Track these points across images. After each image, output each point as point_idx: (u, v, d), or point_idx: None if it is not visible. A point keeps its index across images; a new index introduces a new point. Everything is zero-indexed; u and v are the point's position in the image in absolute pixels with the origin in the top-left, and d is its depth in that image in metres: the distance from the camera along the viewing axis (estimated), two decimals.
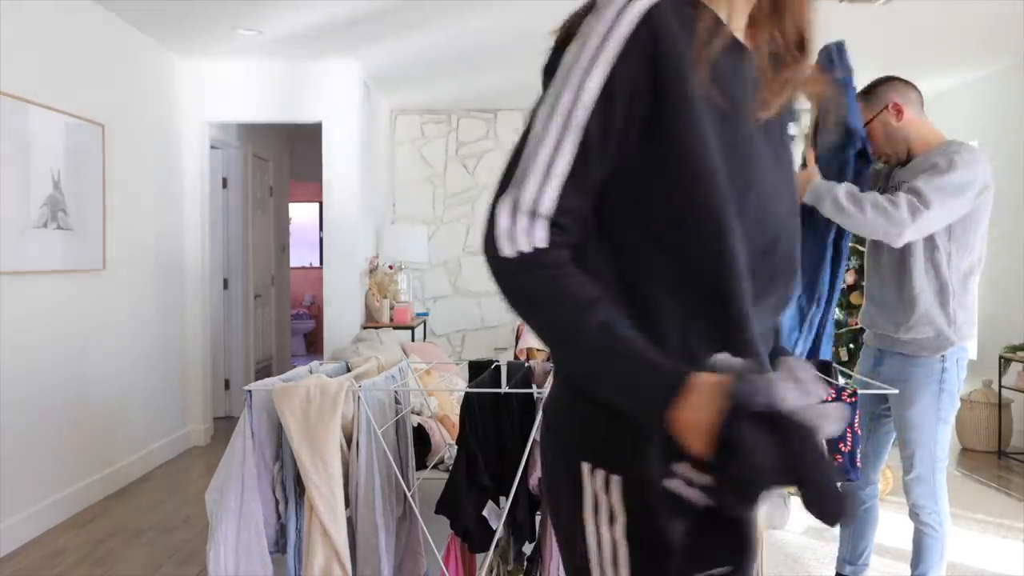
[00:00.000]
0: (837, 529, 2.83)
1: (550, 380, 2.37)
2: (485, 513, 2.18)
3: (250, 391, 2.13)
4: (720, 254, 0.91)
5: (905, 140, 2.44)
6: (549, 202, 0.89)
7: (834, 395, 2.17)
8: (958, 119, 5.92)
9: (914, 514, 2.44)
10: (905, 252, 2.38)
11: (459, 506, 2.15)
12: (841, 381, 2.35)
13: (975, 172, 2.26)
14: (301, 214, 10.16)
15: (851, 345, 4.97)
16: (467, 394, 2.21)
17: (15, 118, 3.43)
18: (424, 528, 2.32)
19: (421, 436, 2.90)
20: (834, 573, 2.79)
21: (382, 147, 6.52)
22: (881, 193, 2.33)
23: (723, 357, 0.87)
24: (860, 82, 2.64)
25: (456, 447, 2.30)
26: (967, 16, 4.34)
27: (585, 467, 0.95)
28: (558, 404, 1.03)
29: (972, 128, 5.73)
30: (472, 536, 2.16)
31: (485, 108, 6.89)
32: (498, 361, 2.54)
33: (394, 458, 2.27)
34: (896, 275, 2.42)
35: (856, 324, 4.74)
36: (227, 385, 6.24)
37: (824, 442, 0.83)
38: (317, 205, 9.84)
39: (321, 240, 7.61)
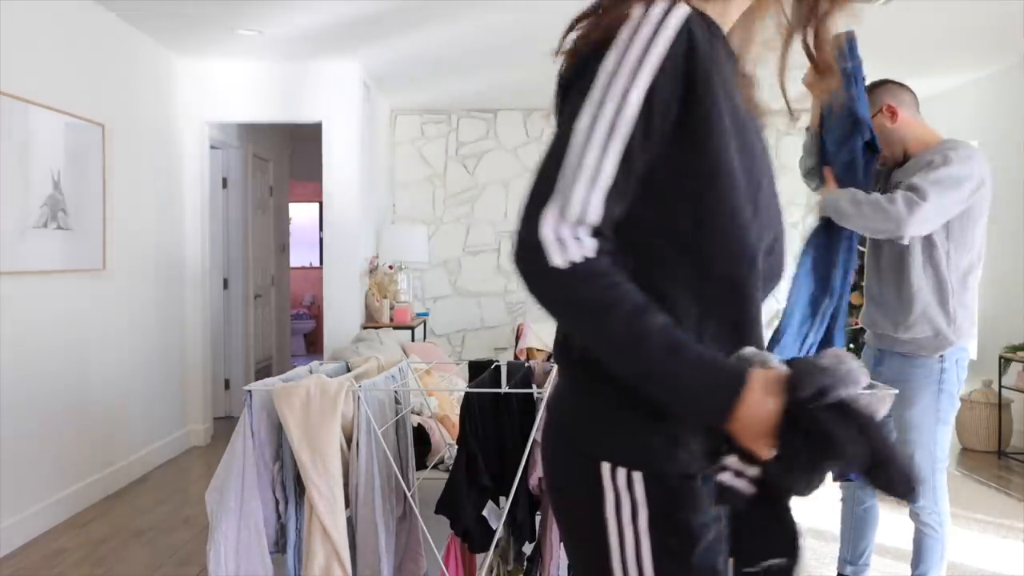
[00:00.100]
0: (837, 529, 2.83)
1: (550, 380, 2.37)
2: (485, 513, 2.18)
3: (250, 391, 2.13)
4: (741, 254, 0.96)
5: (901, 141, 2.45)
6: (596, 210, 0.90)
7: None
8: (958, 119, 5.92)
9: (914, 514, 2.44)
10: (904, 251, 2.38)
11: (459, 506, 2.15)
12: None
13: (971, 167, 2.27)
14: (301, 214, 10.16)
15: (851, 345, 4.98)
16: (467, 394, 2.21)
17: (15, 118, 3.43)
18: (424, 528, 2.32)
19: (421, 436, 2.90)
20: (835, 573, 2.79)
21: (382, 147, 6.52)
22: (882, 194, 2.34)
23: (752, 351, 0.92)
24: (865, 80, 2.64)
25: (456, 447, 2.30)
26: (967, 16, 4.34)
27: (605, 466, 0.97)
28: (569, 406, 1.04)
29: (972, 128, 5.73)
30: (472, 536, 2.16)
31: (485, 108, 6.89)
32: (498, 361, 2.54)
33: (394, 458, 2.27)
34: (895, 274, 2.42)
35: (856, 324, 4.74)
36: (227, 385, 6.24)
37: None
38: (317, 205, 9.83)
39: (321, 240, 7.62)
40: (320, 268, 9.61)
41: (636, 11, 0.91)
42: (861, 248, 2.61)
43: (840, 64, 2.20)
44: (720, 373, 0.89)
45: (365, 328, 5.31)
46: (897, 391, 2.25)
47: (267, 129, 6.92)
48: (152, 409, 4.76)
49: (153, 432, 4.77)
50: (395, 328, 5.52)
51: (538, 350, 5.99)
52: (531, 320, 6.52)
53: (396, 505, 2.27)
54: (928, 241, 2.34)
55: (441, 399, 3.61)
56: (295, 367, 2.45)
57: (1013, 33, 4.65)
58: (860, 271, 2.75)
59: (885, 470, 0.84)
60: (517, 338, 6.24)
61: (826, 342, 2.43)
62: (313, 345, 9.88)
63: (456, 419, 3.01)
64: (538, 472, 2.18)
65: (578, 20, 1.03)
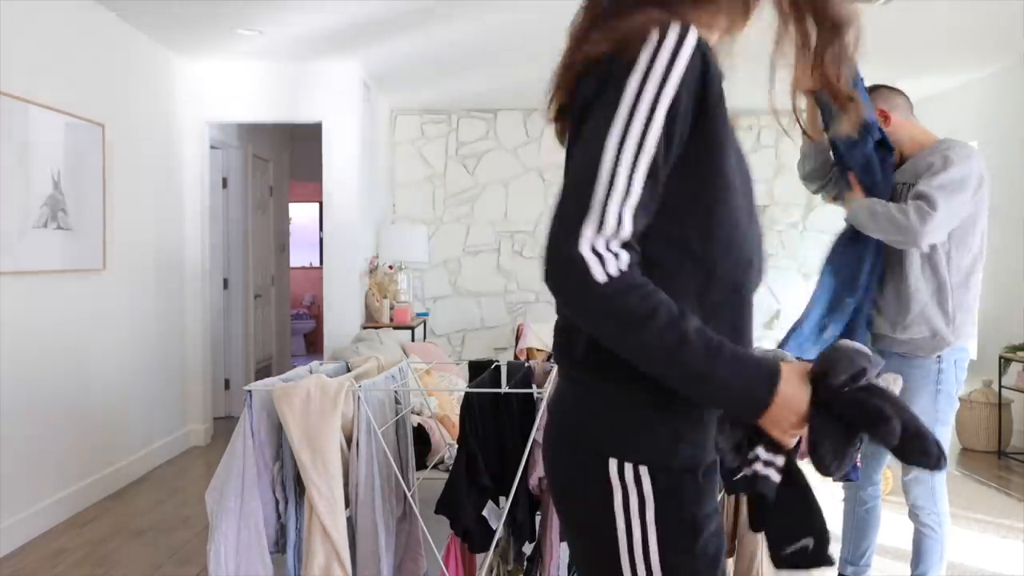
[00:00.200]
0: (838, 529, 2.83)
1: (550, 380, 2.37)
2: (485, 513, 2.18)
3: (250, 391, 2.13)
4: (742, 261, 1.05)
5: (897, 144, 2.46)
6: (629, 224, 0.95)
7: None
8: (958, 119, 5.92)
9: (913, 515, 2.44)
10: (902, 252, 2.39)
11: (459, 506, 2.15)
12: None
13: (971, 166, 2.28)
14: (301, 214, 10.16)
15: None
16: (467, 394, 2.21)
17: (15, 118, 3.43)
18: (424, 528, 2.32)
19: (421, 436, 2.90)
20: (835, 573, 2.79)
21: (382, 147, 6.52)
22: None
23: (766, 349, 1.05)
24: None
25: (456, 447, 2.30)
26: (967, 16, 4.34)
27: (613, 463, 1.02)
28: (572, 406, 1.09)
29: (972, 128, 5.73)
30: (472, 536, 2.16)
31: (485, 108, 6.89)
32: (498, 361, 2.54)
33: (394, 458, 2.27)
34: (893, 275, 2.43)
35: None
36: (227, 385, 6.24)
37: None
38: (317, 205, 9.84)
39: (321, 240, 7.62)
40: (320, 268, 9.61)
41: (654, 35, 0.96)
42: None
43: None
44: (756, 370, 0.95)
45: (365, 328, 5.31)
46: (900, 376, 2.27)
47: (267, 129, 6.92)
48: (152, 409, 4.76)
49: (153, 432, 4.77)
50: (395, 328, 5.52)
51: (538, 350, 5.99)
52: (531, 320, 6.52)
53: (396, 505, 2.27)
54: None
55: (441, 399, 3.61)
56: (295, 367, 2.45)
57: (1013, 33, 4.65)
58: None
59: (919, 441, 0.92)
60: (517, 338, 6.24)
61: (847, 336, 2.44)
62: (313, 345, 9.88)
63: (456, 419, 3.01)
64: (538, 472, 2.18)
65: (579, 37, 1.08)
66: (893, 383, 0.99)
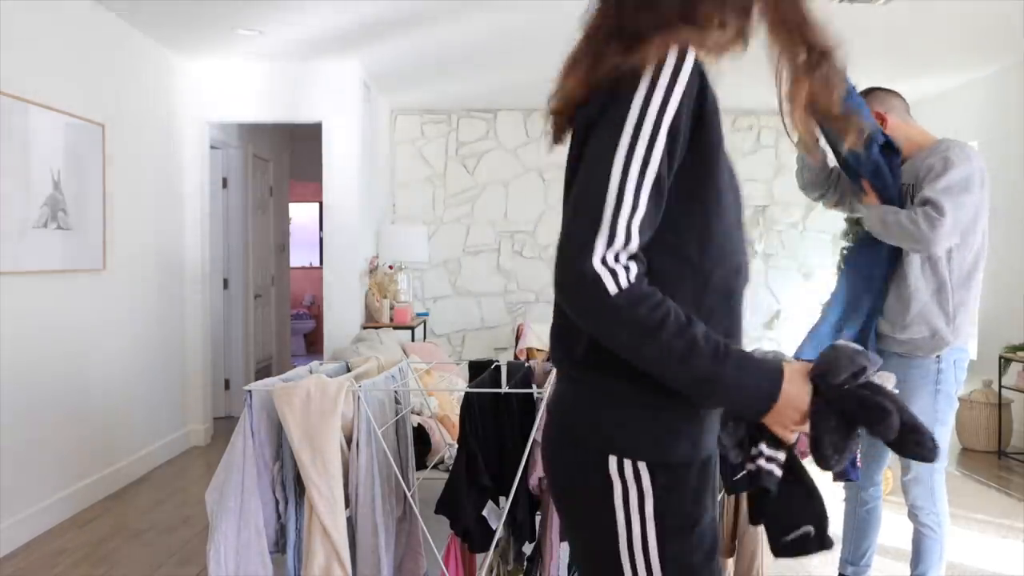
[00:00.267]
0: (839, 529, 2.83)
1: (550, 380, 2.37)
2: (485, 513, 2.18)
3: (250, 391, 2.13)
4: (734, 268, 1.10)
5: None
6: (637, 237, 1.00)
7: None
8: (958, 119, 5.92)
9: (913, 515, 2.44)
10: (902, 252, 2.39)
11: (459, 506, 2.15)
12: None
13: (972, 165, 2.28)
14: (301, 214, 10.16)
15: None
16: (467, 394, 2.21)
17: (15, 118, 3.43)
18: (424, 528, 2.32)
19: (421, 436, 2.90)
20: (836, 573, 2.79)
21: (382, 147, 6.52)
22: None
23: (765, 350, 1.09)
24: (860, 84, 2.63)
25: (456, 447, 2.30)
26: (967, 16, 4.34)
27: (613, 460, 1.07)
28: (573, 406, 1.13)
29: (972, 128, 5.73)
30: (472, 536, 2.16)
31: (485, 108, 6.89)
32: (498, 361, 2.54)
33: (394, 458, 2.27)
34: (893, 274, 2.43)
35: None
36: (227, 385, 6.24)
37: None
38: (317, 205, 9.83)
39: (321, 240, 7.61)
40: (320, 268, 9.61)
41: (655, 57, 1.01)
42: None
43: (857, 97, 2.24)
44: (760, 371, 1.02)
45: (365, 328, 5.31)
46: (894, 375, 2.27)
47: (267, 129, 6.92)
48: (152, 409, 4.76)
49: (153, 432, 4.77)
50: (395, 328, 5.52)
51: (538, 350, 5.99)
52: (531, 320, 6.52)
53: (396, 505, 2.27)
54: None
55: (441, 399, 3.61)
56: (295, 367, 2.45)
57: (1013, 33, 4.65)
58: None
59: (916, 435, 0.99)
60: (517, 338, 6.24)
61: (863, 336, 2.45)
62: (313, 345, 9.88)
63: (456, 419, 3.01)
64: (538, 472, 2.18)
65: (580, 58, 1.11)
66: (888, 381, 1.05)
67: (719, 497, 2.07)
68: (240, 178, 6.35)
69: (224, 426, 5.69)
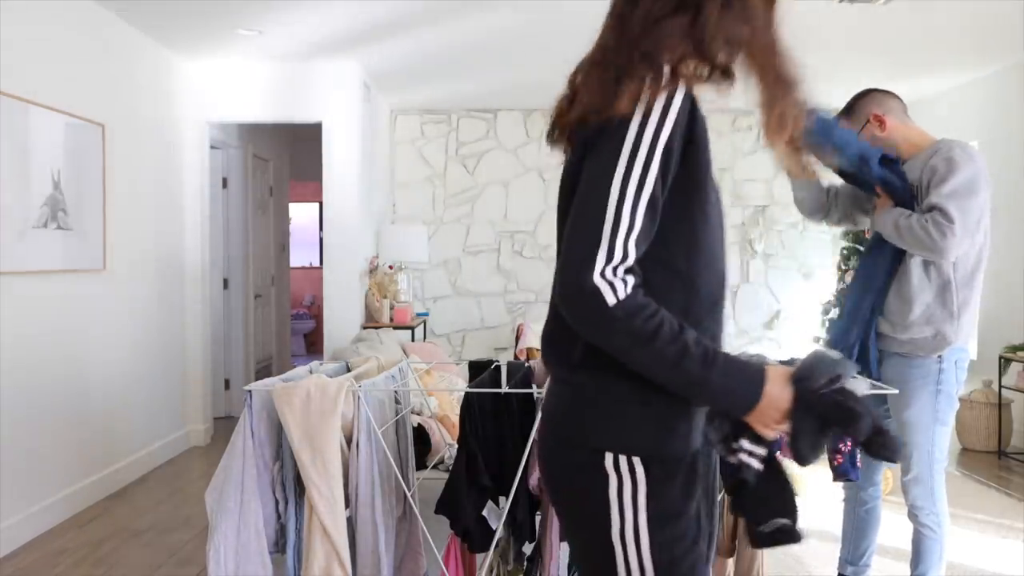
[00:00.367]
0: (838, 529, 2.83)
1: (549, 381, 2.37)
2: (485, 513, 2.18)
3: (250, 391, 2.13)
4: (717, 277, 1.20)
5: (894, 148, 2.45)
6: (633, 252, 1.09)
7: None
8: (958, 119, 5.92)
9: (913, 515, 2.44)
10: (904, 253, 2.38)
11: (459, 506, 2.15)
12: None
13: (976, 165, 2.28)
14: (301, 214, 10.16)
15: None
16: (467, 394, 2.21)
17: (15, 118, 3.43)
18: (424, 528, 2.32)
19: (421, 436, 2.90)
20: (835, 573, 2.79)
21: (382, 147, 6.52)
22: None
23: (751, 353, 1.19)
24: (860, 85, 2.65)
25: (456, 447, 2.30)
26: (967, 16, 4.34)
27: (609, 456, 1.15)
28: (569, 407, 1.20)
29: (972, 128, 5.73)
30: (472, 536, 2.16)
31: (485, 108, 6.89)
32: (498, 361, 2.54)
33: (394, 458, 2.27)
34: (895, 274, 2.42)
35: None
36: (227, 385, 6.24)
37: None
38: (317, 205, 9.84)
39: (321, 240, 7.61)
40: (320, 268, 9.61)
41: (651, 83, 1.10)
42: (861, 248, 2.64)
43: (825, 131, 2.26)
44: (745, 374, 1.11)
45: (365, 328, 5.31)
46: (896, 391, 2.27)
47: (267, 129, 6.92)
48: (152, 409, 4.76)
49: (153, 432, 4.77)
50: (395, 328, 5.52)
51: (538, 350, 5.98)
52: (531, 320, 6.52)
53: (396, 505, 2.27)
54: None
55: (441, 399, 3.61)
56: (295, 367, 2.45)
57: (1013, 33, 4.65)
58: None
59: (882, 437, 1.10)
60: (517, 338, 6.23)
61: (864, 336, 2.45)
62: (313, 345, 9.88)
63: (456, 419, 3.01)
64: (538, 472, 2.18)
65: (583, 81, 1.20)
66: (860, 387, 1.12)
67: (719, 497, 2.07)
68: (240, 178, 6.35)
69: (224, 426, 5.69)
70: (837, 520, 2.87)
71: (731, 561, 2.34)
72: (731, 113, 6.85)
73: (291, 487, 2.17)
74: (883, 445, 1.10)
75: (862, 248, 4.16)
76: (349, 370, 2.59)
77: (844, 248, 5.70)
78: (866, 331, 2.46)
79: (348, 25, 4.49)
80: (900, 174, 2.39)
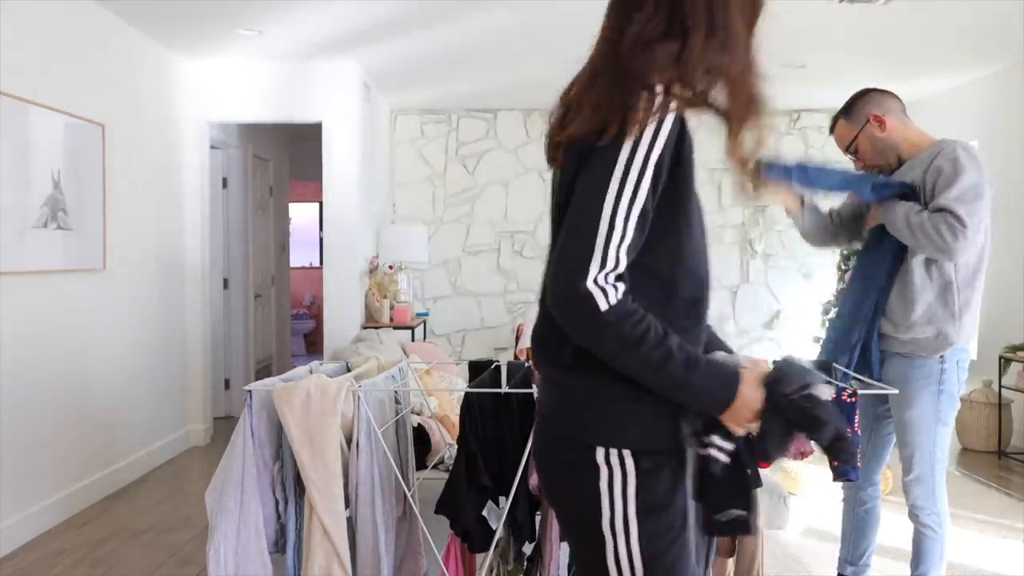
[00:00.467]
0: (838, 529, 2.83)
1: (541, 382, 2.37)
2: (485, 513, 2.18)
3: (250, 391, 2.13)
4: (699, 281, 1.28)
5: (894, 148, 2.45)
6: (624, 261, 1.17)
7: (834, 395, 2.17)
8: (958, 119, 5.92)
9: (913, 515, 2.43)
10: (906, 253, 2.38)
11: (459, 506, 2.15)
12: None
13: (980, 167, 2.27)
14: (301, 214, 10.16)
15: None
16: (467, 394, 2.21)
17: (15, 118, 3.43)
18: (424, 528, 2.32)
19: (421, 436, 2.90)
20: (835, 573, 2.79)
21: (382, 147, 6.52)
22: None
23: (725, 355, 1.28)
24: (860, 85, 2.64)
25: (456, 447, 2.31)
26: (967, 16, 4.34)
27: (600, 450, 1.22)
28: (562, 406, 1.28)
29: (972, 128, 5.73)
30: (472, 536, 2.16)
31: (485, 108, 6.89)
32: (498, 361, 2.54)
33: (394, 458, 2.27)
34: (896, 275, 2.42)
35: None
36: (227, 385, 6.24)
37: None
38: (317, 205, 9.84)
39: (321, 240, 7.61)
40: (320, 268, 9.61)
41: (643, 102, 1.17)
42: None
43: (784, 173, 2.32)
44: (722, 376, 1.20)
45: (365, 328, 5.31)
46: (897, 391, 2.27)
47: (267, 129, 6.92)
48: (152, 409, 4.76)
49: (153, 432, 4.77)
50: (395, 328, 5.52)
51: None
52: (531, 320, 6.51)
53: (396, 505, 2.27)
54: None
55: (441, 399, 3.61)
56: (295, 367, 2.45)
57: (1013, 33, 4.65)
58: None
59: (843, 442, 1.19)
60: (517, 338, 6.24)
61: (867, 339, 2.44)
62: (313, 345, 9.88)
63: (456, 419, 3.01)
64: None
65: (580, 99, 1.25)
66: (826, 393, 1.21)
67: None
68: (240, 178, 6.35)
69: (224, 426, 5.69)
70: (837, 520, 2.87)
71: (731, 561, 2.34)
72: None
73: (291, 487, 2.17)
74: (843, 450, 1.19)
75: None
76: (349, 370, 2.59)
77: (844, 249, 5.70)
78: (868, 332, 2.45)
79: (348, 25, 4.49)
80: (893, 184, 2.38)
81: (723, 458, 1.23)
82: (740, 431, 1.23)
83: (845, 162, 2.63)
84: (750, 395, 1.19)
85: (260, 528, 2.08)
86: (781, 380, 1.19)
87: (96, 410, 4.13)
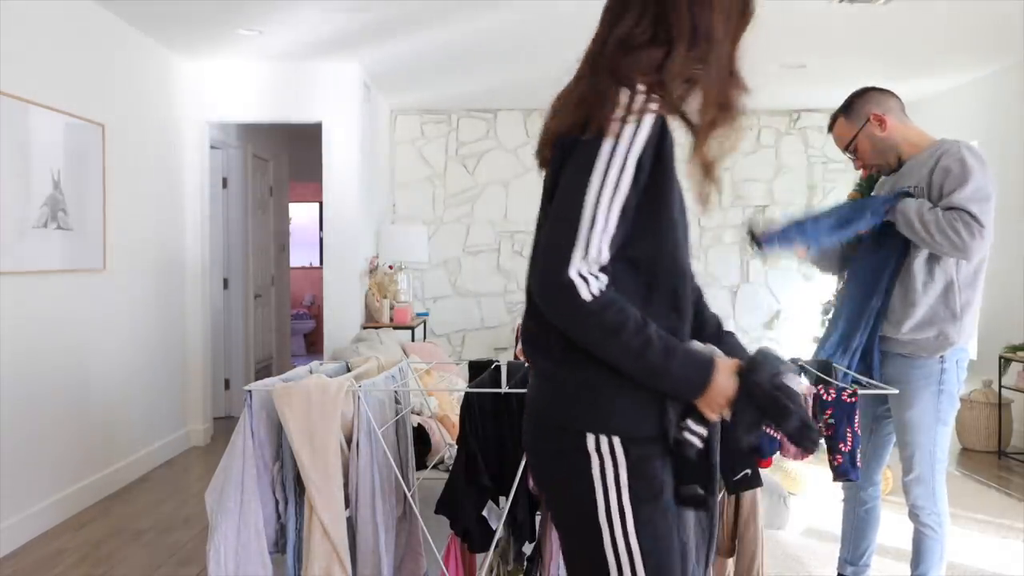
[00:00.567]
0: (838, 529, 2.83)
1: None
2: (485, 513, 2.18)
3: (250, 391, 2.13)
4: (679, 273, 1.32)
5: (894, 148, 2.44)
6: (606, 252, 1.22)
7: (834, 395, 2.16)
8: (958, 119, 5.93)
9: (913, 515, 2.43)
10: (907, 254, 2.37)
11: (459, 506, 2.15)
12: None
13: (985, 167, 2.28)
14: (301, 214, 10.16)
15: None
16: (467, 394, 2.21)
17: (15, 118, 3.44)
18: (424, 528, 2.32)
19: (421, 436, 2.90)
20: (835, 573, 2.79)
21: (382, 147, 6.52)
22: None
23: (701, 345, 1.33)
24: (860, 85, 2.64)
25: (456, 447, 2.30)
26: (967, 16, 4.34)
27: (590, 437, 1.26)
28: (552, 397, 1.31)
29: (972, 128, 5.73)
30: (472, 536, 2.16)
31: (485, 108, 6.89)
32: (498, 361, 2.54)
33: (394, 458, 2.27)
34: (898, 275, 2.41)
35: None
36: (227, 385, 6.24)
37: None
38: (317, 205, 9.84)
39: (321, 240, 7.61)
40: (320, 268, 9.61)
41: (625, 99, 1.22)
42: None
43: (782, 240, 2.40)
44: (698, 364, 1.25)
45: (365, 328, 5.31)
46: (897, 391, 2.26)
47: (267, 129, 6.92)
48: (152, 409, 4.76)
49: (153, 432, 4.77)
50: (395, 328, 5.52)
51: None
52: None
53: (396, 505, 2.27)
54: None
55: (441, 399, 3.61)
56: (295, 367, 2.45)
57: (1013, 33, 4.65)
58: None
59: (809, 433, 1.25)
60: (517, 338, 6.23)
61: (870, 341, 2.43)
62: (313, 345, 9.89)
63: (456, 419, 3.01)
64: None
65: (568, 98, 1.31)
66: (798, 384, 1.27)
67: (719, 496, 2.07)
68: (240, 178, 6.35)
69: (224, 426, 5.69)
70: (837, 520, 2.87)
71: (731, 561, 2.34)
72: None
73: (291, 487, 2.17)
74: (807, 437, 1.26)
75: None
76: (349, 370, 2.59)
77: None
78: (871, 336, 2.44)
79: (348, 25, 4.49)
80: (889, 199, 2.37)
81: (697, 443, 1.27)
82: (714, 417, 1.27)
83: (844, 162, 2.63)
84: (723, 382, 1.24)
85: (260, 528, 2.08)
86: (754, 369, 1.25)
87: (96, 410, 4.13)
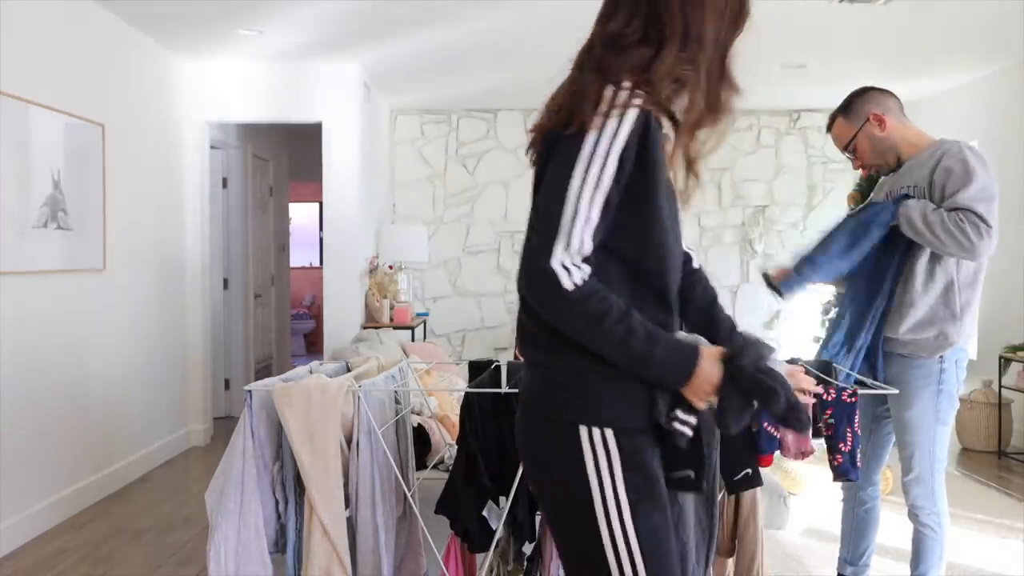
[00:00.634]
0: (838, 529, 2.83)
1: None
2: (485, 513, 2.18)
3: (250, 391, 2.13)
4: (666, 267, 1.33)
5: (893, 148, 2.43)
6: (589, 243, 1.23)
7: (834, 395, 2.16)
8: (958, 119, 5.93)
9: (913, 515, 2.43)
10: (909, 255, 2.37)
11: (459, 506, 2.15)
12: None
13: (988, 167, 2.28)
14: (301, 214, 10.16)
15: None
16: (467, 394, 2.21)
17: (15, 118, 3.44)
18: (424, 528, 2.32)
19: (421, 436, 2.90)
20: (835, 573, 2.79)
21: (382, 147, 6.52)
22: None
23: (686, 334, 1.38)
24: (860, 85, 2.63)
25: (456, 447, 2.31)
26: (967, 16, 4.35)
27: (583, 430, 1.27)
28: (544, 391, 1.32)
29: (972, 128, 5.73)
30: (472, 536, 2.16)
31: (485, 108, 6.89)
32: (498, 361, 2.54)
33: (394, 458, 2.27)
34: (899, 276, 2.41)
35: None
36: (227, 385, 6.24)
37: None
38: (317, 205, 9.84)
39: (321, 240, 7.62)
40: (320, 268, 9.61)
41: (609, 94, 1.24)
42: None
43: (799, 284, 2.43)
44: (682, 352, 1.26)
45: (365, 328, 5.31)
46: (897, 391, 2.26)
47: (267, 129, 6.92)
48: (152, 409, 4.76)
49: (153, 432, 4.77)
50: (395, 328, 5.52)
51: None
52: None
53: (396, 505, 2.27)
54: None
55: (441, 399, 3.61)
56: (295, 367, 2.45)
57: (1013, 33, 4.65)
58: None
59: (797, 412, 1.26)
60: (517, 338, 6.23)
61: (874, 342, 2.43)
62: (313, 345, 9.89)
63: (456, 419, 3.01)
64: None
65: (558, 94, 1.34)
66: (780, 367, 1.29)
67: (719, 497, 2.07)
68: (240, 178, 6.35)
69: (224, 426, 5.69)
70: (837, 520, 2.87)
71: (731, 561, 2.34)
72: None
73: (291, 487, 2.17)
74: (797, 420, 1.27)
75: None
76: (349, 370, 2.59)
77: None
78: (875, 336, 2.43)
79: (348, 25, 4.49)
80: (890, 205, 2.37)
81: (687, 431, 1.29)
82: (702, 405, 1.28)
83: (844, 162, 2.62)
84: (708, 369, 1.25)
85: (260, 528, 2.08)
86: (738, 355, 1.26)
87: (96, 410, 4.13)
